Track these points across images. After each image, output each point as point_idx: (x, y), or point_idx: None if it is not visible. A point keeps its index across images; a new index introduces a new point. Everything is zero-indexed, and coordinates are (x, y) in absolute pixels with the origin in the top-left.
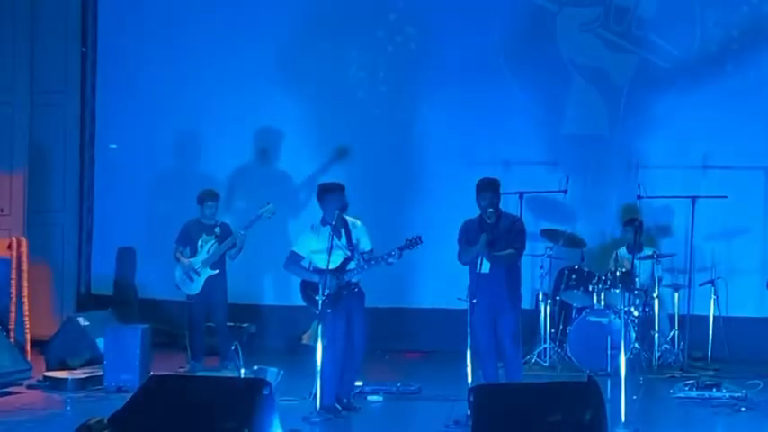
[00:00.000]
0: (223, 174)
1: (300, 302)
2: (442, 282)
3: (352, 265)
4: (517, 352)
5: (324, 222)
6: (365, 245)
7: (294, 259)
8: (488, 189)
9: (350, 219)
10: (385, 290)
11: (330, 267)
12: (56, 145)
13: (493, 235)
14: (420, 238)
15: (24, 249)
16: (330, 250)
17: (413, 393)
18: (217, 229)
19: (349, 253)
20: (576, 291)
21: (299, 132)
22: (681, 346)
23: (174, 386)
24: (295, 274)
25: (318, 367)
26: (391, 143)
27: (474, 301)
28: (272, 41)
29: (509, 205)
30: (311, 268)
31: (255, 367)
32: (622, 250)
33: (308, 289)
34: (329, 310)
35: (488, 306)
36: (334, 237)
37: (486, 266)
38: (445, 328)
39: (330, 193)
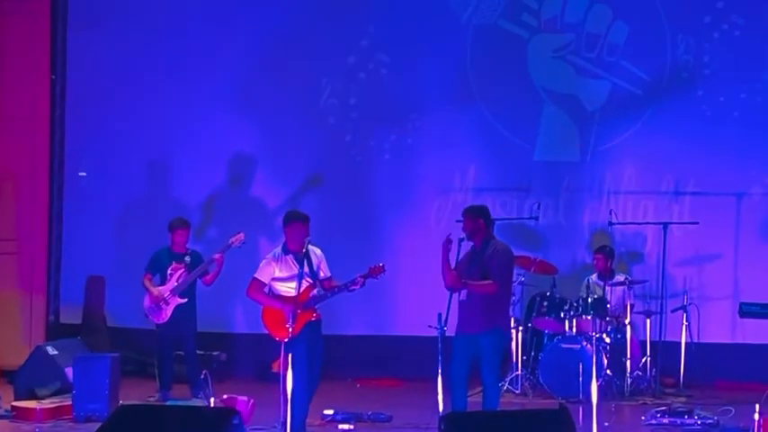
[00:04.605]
0: (194, 201)
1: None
2: (413, 309)
3: (316, 292)
4: (493, 380)
5: (286, 251)
6: (325, 272)
7: (257, 287)
8: (463, 216)
9: (309, 246)
10: (356, 317)
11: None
12: (24, 172)
13: (470, 262)
14: (383, 266)
15: None
16: (301, 277)
17: (384, 421)
18: (187, 258)
19: (312, 281)
20: (547, 317)
21: (271, 159)
22: (653, 373)
23: (143, 416)
24: (257, 301)
25: (289, 395)
26: (362, 169)
27: (445, 328)
28: (243, 68)
29: None
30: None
31: (225, 396)
32: (594, 277)
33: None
34: (294, 338)
35: (463, 333)
36: (298, 265)
37: (463, 293)
38: (416, 356)
39: (298, 222)
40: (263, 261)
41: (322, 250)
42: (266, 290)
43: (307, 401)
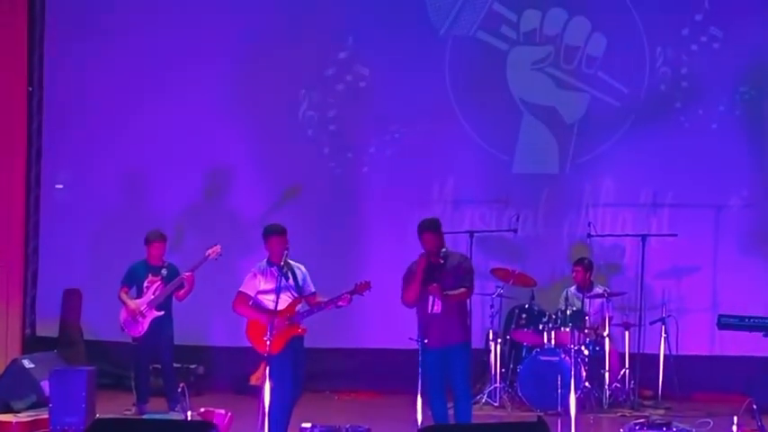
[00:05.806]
0: (171, 214)
1: (248, 343)
2: (392, 321)
3: (301, 307)
4: (468, 392)
5: (270, 263)
6: (309, 287)
7: (243, 300)
8: (426, 231)
9: (293, 262)
10: (334, 329)
11: (278, 309)
12: (1, 184)
13: (441, 274)
14: (369, 282)
15: None
16: (279, 290)
17: None
18: (163, 270)
19: (297, 295)
20: (526, 330)
21: (249, 171)
22: (631, 385)
23: (119, 429)
24: (244, 314)
25: (266, 409)
26: (341, 182)
27: (426, 341)
28: (221, 80)
29: (459, 244)
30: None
31: (202, 409)
32: (572, 289)
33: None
34: (277, 352)
35: (440, 346)
36: (283, 278)
37: (437, 306)
38: (395, 369)
39: (275, 235)
40: (249, 274)
41: (303, 264)
42: (251, 303)
43: (288, 415)
